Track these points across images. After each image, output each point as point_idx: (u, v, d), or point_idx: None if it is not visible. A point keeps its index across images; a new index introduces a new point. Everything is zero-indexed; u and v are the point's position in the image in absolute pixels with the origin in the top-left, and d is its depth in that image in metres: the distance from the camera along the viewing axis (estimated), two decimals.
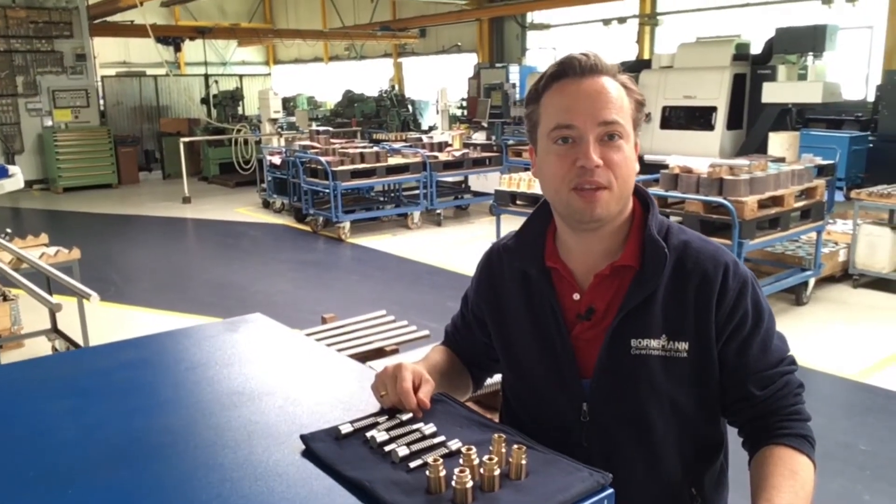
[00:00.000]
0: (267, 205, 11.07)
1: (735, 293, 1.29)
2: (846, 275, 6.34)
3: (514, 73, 16.36)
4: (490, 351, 1.53)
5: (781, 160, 6.76)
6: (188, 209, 11.39)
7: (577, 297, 1.36)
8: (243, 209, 11.24)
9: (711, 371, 1.31)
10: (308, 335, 3.01)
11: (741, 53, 11.34)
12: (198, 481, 1.08)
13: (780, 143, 7.50)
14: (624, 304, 1.30)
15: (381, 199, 10.71)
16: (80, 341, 4.57)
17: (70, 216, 11.07)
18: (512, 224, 7.47)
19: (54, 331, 4.99)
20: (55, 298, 4.04)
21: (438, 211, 9.66)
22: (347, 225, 8.85)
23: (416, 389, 1.25)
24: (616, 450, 1.32)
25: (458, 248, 8.39)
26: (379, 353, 2.86)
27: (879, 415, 3.98)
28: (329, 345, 2.88)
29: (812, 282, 5.90)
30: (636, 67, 12.67)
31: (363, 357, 2.83)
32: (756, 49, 11.53)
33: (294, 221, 9.95)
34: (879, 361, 4.70)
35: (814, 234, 5.95)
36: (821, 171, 6.87)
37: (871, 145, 10.42)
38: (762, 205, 5.26)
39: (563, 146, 1.27)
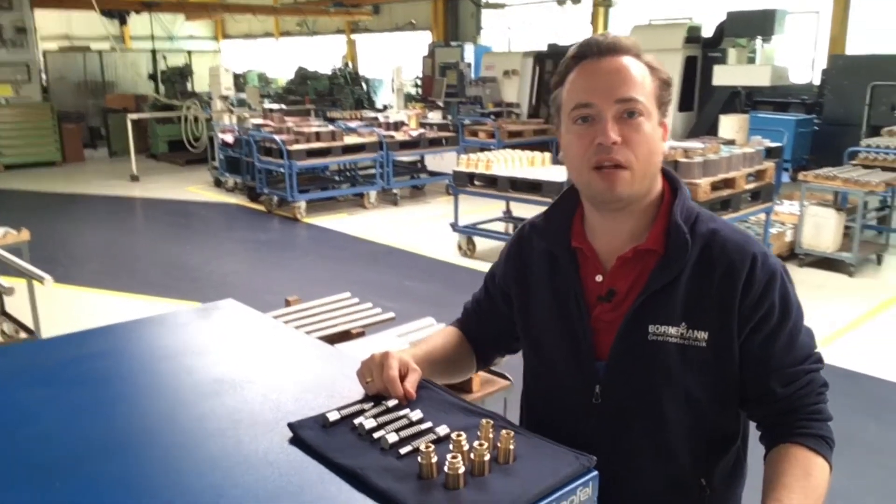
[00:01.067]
0: (219, 183, 10.87)
1: (762, 285, 1.27)
2: (793, 254, 6.55)
3: (470, 52, 16.31)
4: (512, 328, 1.53)
5: (732, 142, 6.93)
6: (137, 188, 11.12)
7: (599, 278, 1.35)
8: (194, 188, 11.02)
9: (730, 363, 1.29)
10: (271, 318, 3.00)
11: (693, 36, 11.54)
12: (188, 471, 1.08)
13: (730, 125, 7.68)
14: (645, 289, 1.29)
15: (337, 178, 10.62)
16: (31, 324, 4.46)
17: (13, 195, 10.69)
18: (471, 204, 7.58)
19: (2, 314, 4.84)
20: (5, 281, 3.92)
21: (395, 191, 9.63)
22: (303, 205, 8.76)
23: (402, 378, 1.26)
24: (625, 435, 1.32)
25: (415, 227, 8.39)
26: (345, 336, 2.86)
27: (828, 392, 4.14)
28: (294, 328, 2.87)
29: None
30: None
31: (329, 340, 2.81)
32: (707, 32, 11.74)
33: (247, 201, 9.80)
34: (825, 338, 4.88)
35: (762, 215, 6.14)
36: (769, 153, 7.07)
37: (816, 128, 10.73)
38: (715, 186, 5.40)
39: (583, 125, 1.27)
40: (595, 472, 1.06)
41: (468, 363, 1.60)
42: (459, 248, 7.08)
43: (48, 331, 4.50)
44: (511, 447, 1.07)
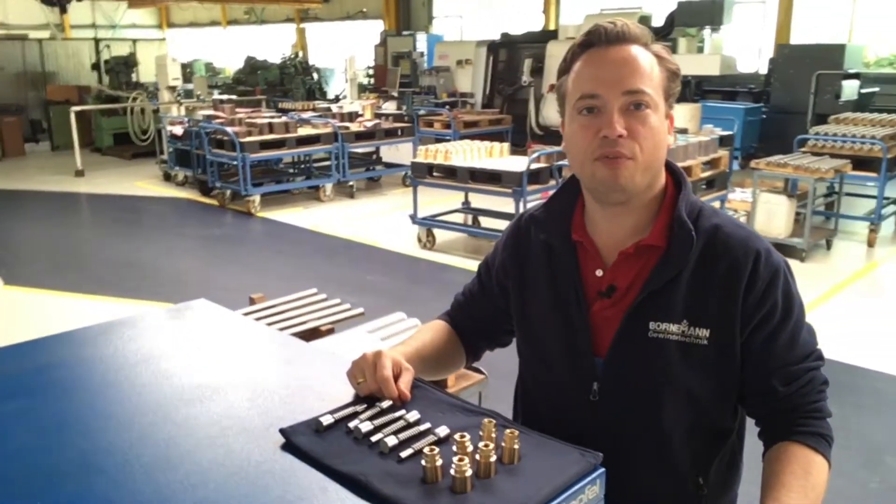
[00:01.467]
0: (168, 178, 10.60)
1: (765, 282, 1.25)
2: None
3: (422, 41, 16.20)
4: (505, 320, 1.50)
5: (684, 131, 7.02)
6: (82, 183, 10.76)
7: (599, 273, 1.33)
8: (143, 182, 10.73)
9: (731, 361, 1.27)
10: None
11: (644, 25, 11.63)
12: (178, 484, 1.03)
13: (683, 114, 7.74)
14: (646, 285, 1.27)
15: (291, 171, 10.45)
16: None
17: None
18: (429, 196, 7.53)
19: None
20: None
21: (351, 183, 9.52)
22: (257, 198, 8.60)
23: (395, 378, 1.23)
24: (623, 433, 1.30)
25: (373, 220, 8.31)
26: (314, 334, 2.80)
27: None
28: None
29: None
30: (542, 38, 12.83)
31: (299, 338, 2.76)
32: (658, 22, 11.89)
33: (199, 195, 9.58)
34: None
35: (716, 203, 6.25)
36: (721, 141, 7.19)
37: (764, 116, 10.96)
38: None
39: (588, 116, 1.24)
40: (602, 469, 1.04)
41: (458, 358, 1.57)
42: (419, 240, 7.04)
43: None
44: (516, 447, 1.05)
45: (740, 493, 1.44)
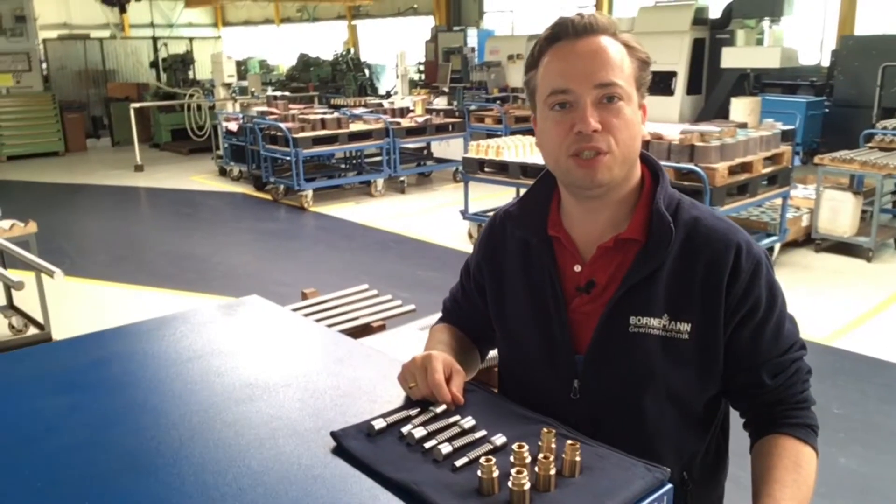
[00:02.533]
0: (224, 173, 10.77)
1: (748, 275, 1.22)
2: (809, 239, 6.45)
3: (473, 36, 16.13)
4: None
5: (744, 125, 6.81)
6: (141, 178, 11.02)
7: (578, 268, 1.30)
8: (199, 177, 10.93)
9: (714, 355, 1.24)
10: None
11: (700, 18, 11.37)
12: (227, 487, 1.00)
13: (742, 108, 7.54)
14: (626, 280, 1.24)
15: (343, 166, 10.51)
16: (40, 318, 4.40)
17: (16, 186, 10.60)
18: (480, 191, 7.48)
19: (10, 307, 4.78)
20: (13, 274, 3.84)
21: (402, 178, 9.52)
22: (310, 193, 8.67)
23: (447, 381, 1.19)
24: (605, 430, 1.25)
25: (424, 216, 8.30)
26: (366, 330, 2.79)
27: (849, 378, 4.07)
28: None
29: (777, 247, 5.99)
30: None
31: (350, 334, 2.74)
32: (715, 13, 11.58)
33: (253, 190, 9.71)
34: (846, 325, 4.80)
35: (778, 200, 6.04)
36: (782, 136, 6.95)
37: (826, 110, 10.59)
38: (732, 171, 5.29)
39: (560, 112, 1.21)
40: (670, 486, 0.98)
41: (476, 359, 1.54)
42: (470, 235, 7.00)
43: (58, 324, 4.44)
44: (577, 459, 0.99)
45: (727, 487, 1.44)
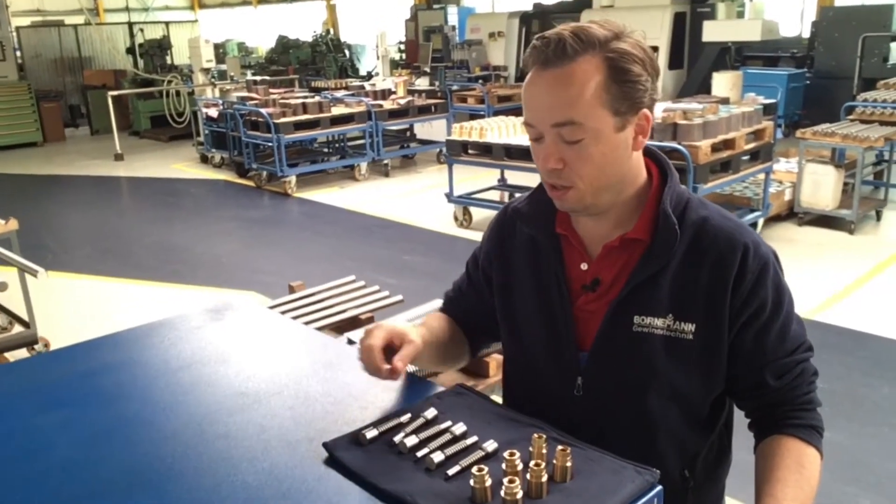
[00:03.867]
0: (205, 160, 10.68)
1: (755, 276, 1.22)
2: (791, 213, 6.50)
3: (453, 14, 16.01)
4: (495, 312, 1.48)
5: (726, 100, 6.82)
6: (121, 167, 10.90)
7: (584, 267, 1.30)
8: (180, 165, 10.83)
9: (718, 356, 1.25)
10: (276, 306, 2.92)
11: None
12: (222, 502, 1.01)
13: (724, 82, 7.54)
14: (631, 279, 1.24)
15: (326, 150, 10.45)
16: (25, 316, 4.36)
17: None
18: (464, 173, 7.47)
19: None
20: None
21: (385, 161, 9.48)
22: (293, 179, 8.62)
23: (396, 349, 1.21)
24: (607, 427, 1.27)
25: (408, 198, 8.28)
26: (354, 323, 2.79)
27: (833, 352, 4.12)
28: (300, 315, 2.80)
29: (761, 222, 6.04)
30: (577, 7, 12.58)
31: (338, 328, 2.75)
32: None
33: (236, 176, 9.63)
34: (829, 298, 4.86)
35: (761, 175, 6.07)
36: (763, 110, 6.97)
37: (808, 82, 10.63)
38: (715, 148, 5.31)
39: (534, 142, 1.22)
40: (660, 488, 1.00)
41: (462, 351, 1.52)
42: (455, 218, 6.99)
43: (43, 321, 4.40)
44: (568, 464, 1.01)
45: (728, 483, 1.44)
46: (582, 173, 1.18)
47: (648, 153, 1.31)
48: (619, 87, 1.15)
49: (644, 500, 0.98)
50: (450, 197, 6.96)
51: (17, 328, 4.58)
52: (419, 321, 1.45)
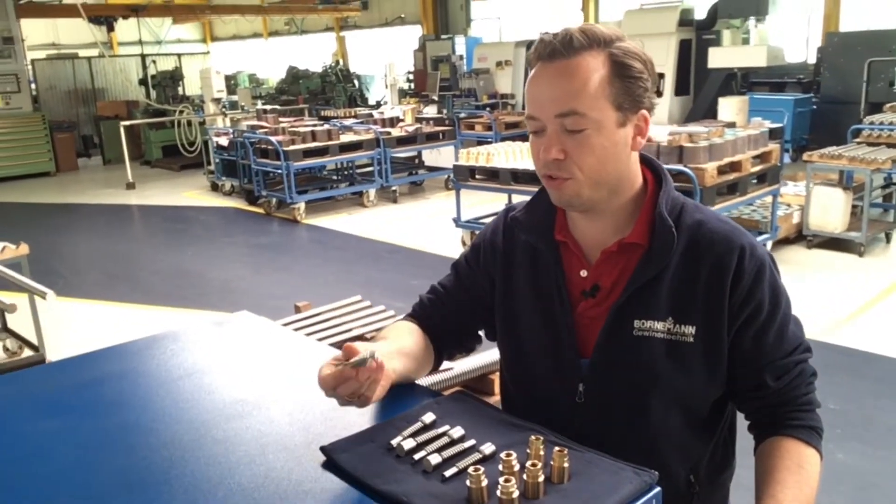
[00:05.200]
0: (216, 188, 10.77)
1: (751, 277, 1.23)
2: (800, 236, 6.48)
3: (461, 44, 16.20)
4: (478, 319, 1.46)
5: (732, 125, 6.85)
6: (133, 195, 11.01)
7: (584, 273, 1.31)
8: (191, 193, 10.92)
9: (718, 358, 1.25)
10: (283, 325, 2.92)
11: (686, 19, 11.45)
12: None
13: (730, 107, 7.59)
14: (630, 283, 1.25)
15: (335, 177, 10.52)
16: (34, 340, 4.38)
17: (7, 207, 10.58)
18: (472, 198, 7.49)
19: (4, 330, 4.77)
20: (5, 297, 3.83)
21: (394, 188, 9.54)
22: (302, 206, 8.68)
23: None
24: (610, 434, 1.26)
25: (417, 224, 8.31)
26: (358, 341, 2.79)
27: (845, 374, 4.08)
28: (307, 335, 2.79)
29: (769, 244, 6.02)
30: None
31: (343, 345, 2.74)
32: (700, 14, 11.65)
33: (246, 204, 9.71)
34: (841, 320, 4.82)
35: (768, 198, 6.07)
36: (770, 134, 6.99)
37: (814, 107, 10.65)
38: (721, 171, 5.32)
39: (534, 135, 1.24)
40: (658, 489, 0.99)
41: (429, 361, 1.47)
42: (463, 243, 7.01)
43: (53, 345, 4.42)
44: (565, 465, 1.00)
45: (732, 485, 1.43)
46: (582, 164, 1.19)
47: (644, 161, 1.32)
48: (622, 82, 1.19)
49: (642, 500, 0.97)
50: (457, 221, 6.98)
51: (27, 352, 4.60)
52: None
